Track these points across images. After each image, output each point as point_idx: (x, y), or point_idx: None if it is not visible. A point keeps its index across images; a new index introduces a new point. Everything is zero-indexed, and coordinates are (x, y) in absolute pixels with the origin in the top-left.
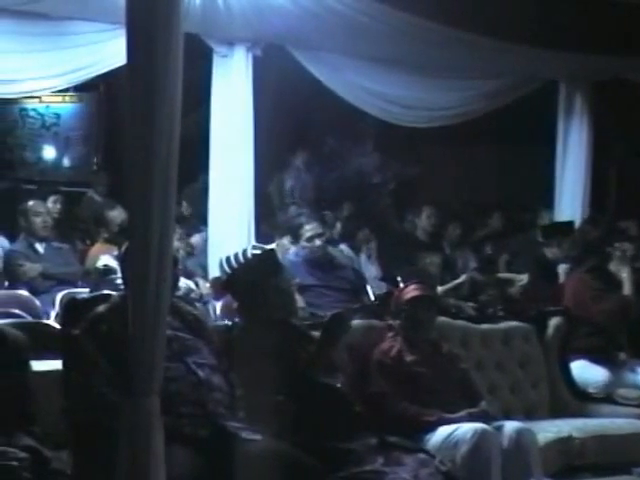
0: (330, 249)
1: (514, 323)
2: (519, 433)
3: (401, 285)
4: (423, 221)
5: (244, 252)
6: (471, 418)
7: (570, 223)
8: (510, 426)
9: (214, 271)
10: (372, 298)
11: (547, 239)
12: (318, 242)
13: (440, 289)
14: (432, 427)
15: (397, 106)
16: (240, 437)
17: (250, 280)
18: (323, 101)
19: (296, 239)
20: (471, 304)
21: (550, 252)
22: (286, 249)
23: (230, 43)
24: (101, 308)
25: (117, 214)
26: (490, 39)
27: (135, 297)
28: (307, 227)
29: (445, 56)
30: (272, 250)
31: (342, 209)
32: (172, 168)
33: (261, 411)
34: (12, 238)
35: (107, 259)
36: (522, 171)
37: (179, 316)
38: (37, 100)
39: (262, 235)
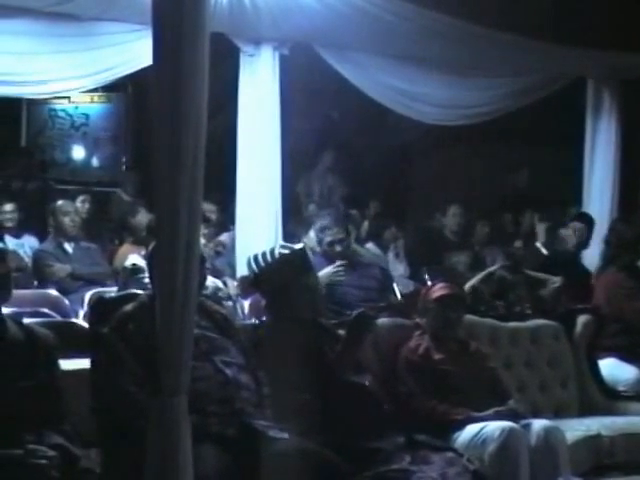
0: (356, 248)
1: (543, 321)
2: (547, 431)
3: (429, 283)
4: (449, 220)
5: (272, 251)
6: (499, 416)
7: (586, 214)
8: (538, 424)
9: (242, 270)
10: (399, 296)
11: (564, 222)
12: (338, 248)
13: (471, 282)
14: (460, 425)
15: (424, 104)
16: (267, 436)
17: (279, 279)
18: (350, 100)
19: (320, 241)
20: (501, 303)
21: (566, 234)
22: (311, 248)
23: (257, 42)
24: (129, 307)
25: (142, 217)
26: (518, 37)
27: (162, 296)
28: (328, 232)
29: (472, 54)
30: (302, 249)
31: (369, 207)
32: (199, 168)
33: (288, 410)
34: (43, 238)
35: (135, 258)
36: (551, 169)
37: (207, 315)
38: (66, 101)
39: (289, 234)
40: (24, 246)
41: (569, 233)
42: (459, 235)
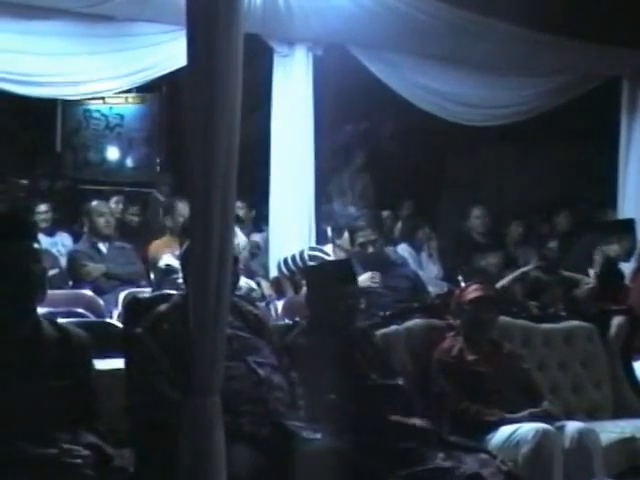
0: (389, 248)
1: (576, 322)
2: (581, 433)
3: (462, 285)
4: (473, 222)
5: (301, 254)
6: (533, 418)
7: (630, 221)
8: (572, 426)
9: (275, 271)
10: (433, 297)
11: (606, 236)
12: (371, 249)
13: (502, 282)
14: (493, 427)
15: (457, 104)
16: (300, 436)
17: (325, 283)
18: (383, 100)
19: (352, 242)
20: (535, 304)
21: (611, 250)
22: (345, 249)
23: (291, 43)
24: (162, 307)
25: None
26: (552, 36)
27: (196, 296)
28: (361, 233)
29: (506, 54)
30: (349, 260)
31: (402, 208)
32: (232, 168)
33: (321, 410)
34: (76, 236)
35: (169, 258)
36: (586, 170)
37: (240, 315)
38: (101, 101)
39: (322, 235)
40: (57, 244)
41: (615, 249)
42: (487, 236)
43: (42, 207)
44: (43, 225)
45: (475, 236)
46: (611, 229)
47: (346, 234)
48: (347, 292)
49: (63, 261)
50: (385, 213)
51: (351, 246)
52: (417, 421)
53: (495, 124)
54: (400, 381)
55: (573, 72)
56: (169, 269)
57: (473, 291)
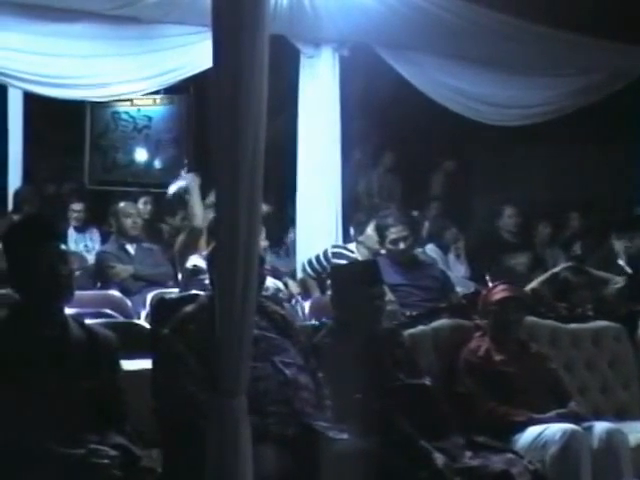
0: (417, 248)
1: (604, 323)
2: (609, 434)
3: (490, 284)
4: (505, 221)
5: (325, 253)
6: (560, 419)
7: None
8: (600, 427)
9: (302, 271)
10: (460, 297)
11: (620, 234)
12: (402, 245)
13: (532, 284)
14: (521, 427)
15: (484, 105)
16: (327, 436)
17: (350, 284)
18: (410, 100)
19: (382, 240)
20: (563, 305)
21: (618, 245)
22: (368, 247)
23: (317, 44)
24: (189, 308)
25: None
26: (579, 35)
27: (222, 297)
28: (392, 230)
29: (533, 53)
30: (375, 261)
31: (430, 208)
32: (258, 169)
33: (348, 410)
34: (106, 235)
35: (196, 259)
36: (614, 170)
37: (266, 316)
38: (129, 103)
39: (349, 235)
40: (86, 239)
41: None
42: (517, 236)
43: (77, 206)
44: (74, 224)
45: (505, 235)
46: (624, 227)
47: (369, 231)
48: (373, 294)
49: (90, 257)
50: (413, 213)
51: (378, 244)
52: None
53: (523, 124)
54: (427, 381)
55: (601, 72)
56: (196, 269)
57: (500, 291)
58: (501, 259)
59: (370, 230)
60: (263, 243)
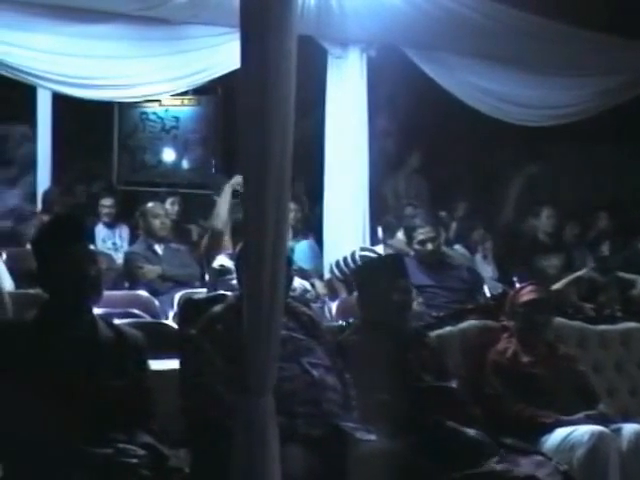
0: (445, 249)
1: (633, 324)
2: (638, 436)
3: (517, 286)
4: (542, 222)
5: (352, 255)
6: (588, 420)
7: None
8: (629, 429)
9: (329, 272)
10: (488, 298)
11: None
12: (430, 246)
13: (557, 285)
14: (548, 429)
15: (511, 105)
16: (354, 437)
17: (375, 280)
18: (437, 101)
19: (410, 241)
20: (590, 306)
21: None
22: (397, 249)
23: (344, 44)
24: (217, 308)
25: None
26: (608, 35)
27: (250, 297)
28: (420, 230)
29: (561, 53)
30: (399, 254)
31: (457, 209)
32: (286, 170)
33: (375, 411)
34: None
35: (223, 259)
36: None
37: (294, 317)
38: (157, 104)
39: (376, 236)
40: (115, 236)
41: None
42: (553, 237)
43: (107, 201)
44: (105, 219)
45: (541, 236)
46: None
47: (399, 234)
48: (397, 286)
49: (119, 257)
50: (440, 214)
51: (407, 246)
52: (471, 431)
53: (550, 124)
54: (454, 384)
55: (628, 72)
56: (223, 270)
57: (527, 293)
58: (533, 260)
59: (401, 234)
60: (290, 244)
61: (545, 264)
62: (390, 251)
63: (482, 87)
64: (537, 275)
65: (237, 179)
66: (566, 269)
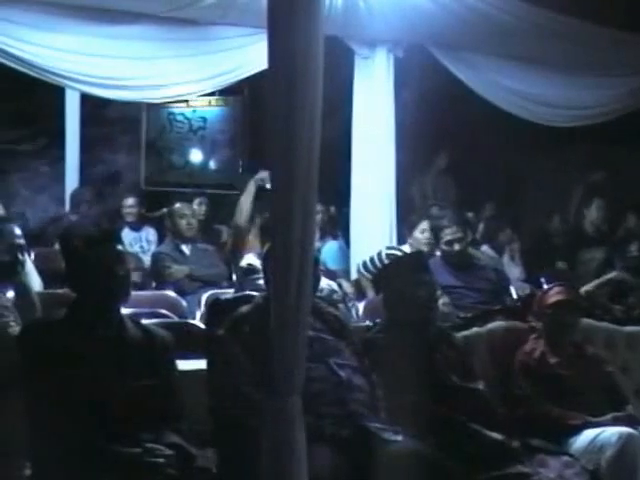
0: (471, 250)
1: None
2: None
3: (545, 287)
4: (592, 213)
5: (379, 254)
6: (616, 422)
7: None
8: None
9: (356, 272)
10: (515, 299)
11: None
12: (457, 247)
13: (588, 287)
14: (576, 431)
15: (539, 105)
16: (381, 438)
17: (396, 278)
18: (464, 101)
19: (437, 241)
20: (619, 307)
21: None
22: (421, 245)
23: (371, 45)
24: (244, 308)
25: None
26: (636, 35)
27: (277, 298)
28: (447, 231)
29: (590, 53)
30: (421, 251)
31: (484, 209)
32: (313, 170)
33: (402, 412)
34: (161, 231)
35: (251, 258)
36: None
37: (320, 317)
38: (184, 104)
39: (404, 236)
40: (142, 239)
41: None
42: (600, 231)
43: (129, 201)
44: (129, 219)
45: (588, 229)
46: None
47: (417, 233)
48: (420, 282)
49: (146, 258)
50: (468, 215)
51: (425, 245)
52: (497, 435)
53: (579, 125)
54: (480, 385)
55: None
56: (250, 269)
57: (555, 294)
58: (579, 252)
59: (418, 232)
60: (317, 244)
61: (588, 257)
62: (414, 249)
63: (509, 87)
64: (563, 275)
65: (261, 174)
66: (607, 264)
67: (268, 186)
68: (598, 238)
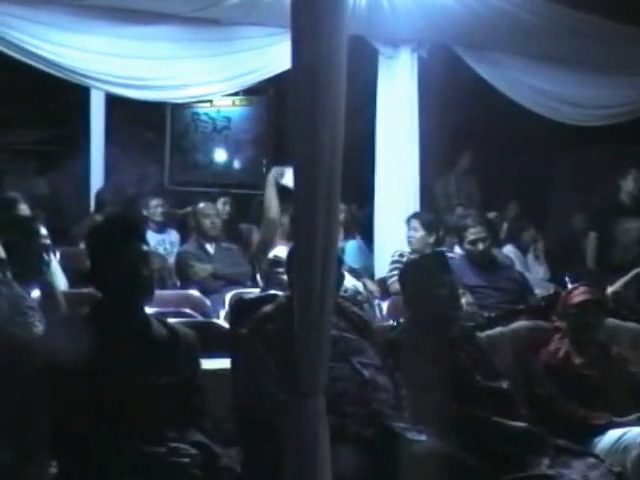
0: (495, 250)
1: None
2: None
3: (569, 286)
4: (628, 184)
5: (400, 255)
6: None
7: None
8: None
9: (380, 272)
10: (539, 299)
11: None
12: (481, 246)
13: (614, 287)
14: (600, 431)
15: (564, 104)
16: (405, 437)
17: (418, 277)
18: (488, 101)
19: (460, 240)
20: None
21: None
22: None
23: (395, 44)
24: (268, 308)
25: None
26: None
27: (300, 297)
28: (471, 230)
29: (614, 52)
30: (442, 251)
31: (508, 209)
32: (336, 169)
33: (426, 411)
34: (184, 233)
35: (280, 250)
36: None
37: (344, 316)
38: (209, 104)
39: None
40: (165, 242)
41: None
42: (637, 201)
43: (154, 202)
44: (156, 219)
45: (624, 199)
46: None
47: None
48: (441, 280)
49: (170, 260)
50: (491, 215)
51: (460, 244)
52: (520, 424)
53: (604, 124)
54: (504, 384)
55: None
56: (276, 260)
57: (580, 294)
58: (617, 222)
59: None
60: (340, 244)
61: (626, 227)
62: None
63: (534, 86)
64: (588, 275)
65: (275, 170)
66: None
67: (284, 181)
68: (635, 208)
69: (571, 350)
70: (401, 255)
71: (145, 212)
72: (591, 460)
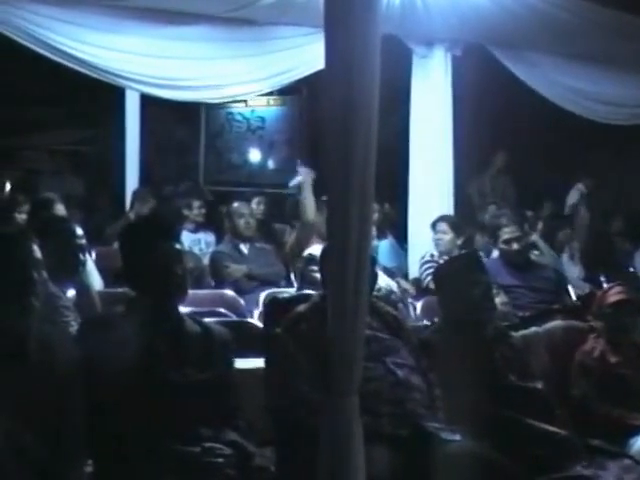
0: (538, 241)
1: None
2: None
3: (605, 286)
4: None
5: (432, 255)
6: None
7: None
8: None
9: (414, 271)
10: (574, 299)
11: None
12: (516, 246)
13: None
14: (636, 431)
15: (599, 103)
16: (439, 437)
17: (452, 276)
18: (523, 100)
19: (495, 240)
20: None
21: None
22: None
23: (429, 43)
24: (301, 308)
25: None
26: None
27: (334, 297)
28: (506, 230)
29: None
30: (475, 250)
31: (543, 208)
32: (370, 169)
33: (460, 412)
34: (220, 234)
35: (315, 248)
36: None
37: (378, 316)
38: (243, 104)
39: None
40: (200, 242)
41: None
42: None
43: (196, 204)
44: (199, 220)
45: None
46: None
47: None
48: (474, 280)
49: (205, 260)
50: (527, 213)
51: (494, 244)
52: (555, 430)
53: (637, 123)
54: (539, 385)
55: None
56: (311, 258)
57: (615, 294)
58: None
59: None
60: (373, 242)
61: None
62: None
63: (570, 86)
64: (624, 275)
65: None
66: None
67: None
68: None
69: (606, 350)
70: (432, 255)
71: (187, 212)
72: (627, 462)
